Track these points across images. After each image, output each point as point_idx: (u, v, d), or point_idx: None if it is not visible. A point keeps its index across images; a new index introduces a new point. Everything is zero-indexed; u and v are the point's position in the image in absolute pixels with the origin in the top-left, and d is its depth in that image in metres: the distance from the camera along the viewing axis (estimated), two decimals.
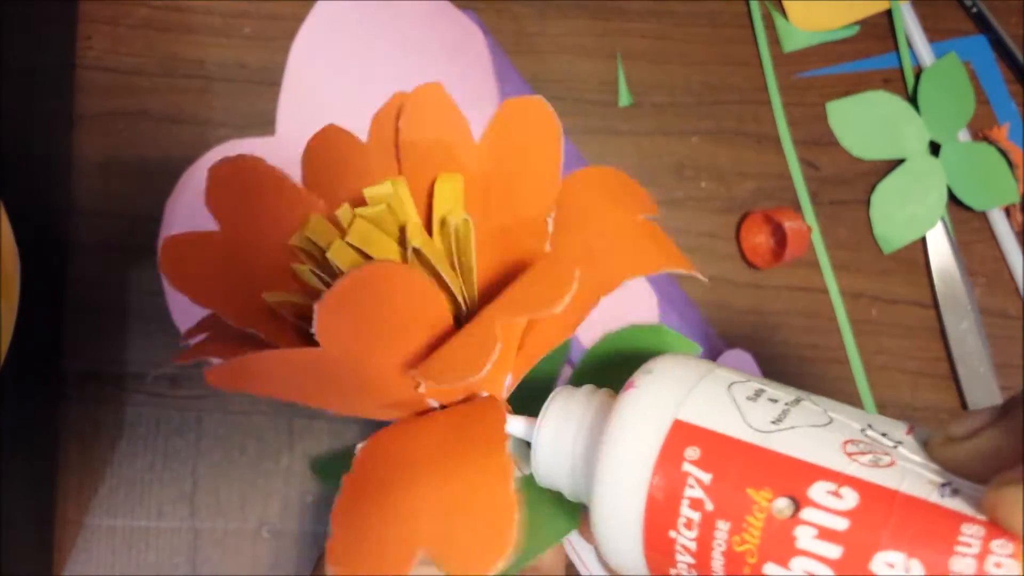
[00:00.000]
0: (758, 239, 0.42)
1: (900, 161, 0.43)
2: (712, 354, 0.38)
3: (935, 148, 0.43)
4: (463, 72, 0.41)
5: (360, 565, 0.15)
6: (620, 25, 0.43)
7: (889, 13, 0.45)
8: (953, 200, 0.43)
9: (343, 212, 0.18)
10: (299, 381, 0.16)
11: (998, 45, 0.44)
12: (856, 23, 0.44)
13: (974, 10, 0.45)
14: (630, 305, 0.38)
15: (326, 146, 0.20)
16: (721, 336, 0.42)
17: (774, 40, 0.44)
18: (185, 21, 0.41)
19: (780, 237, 0.41)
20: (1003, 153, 0.43)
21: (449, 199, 0.18)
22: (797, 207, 0.43)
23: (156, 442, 0.39)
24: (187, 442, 0.39)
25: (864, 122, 0.43)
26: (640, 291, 0.39)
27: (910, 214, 0.43)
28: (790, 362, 0.42)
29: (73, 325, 0.39)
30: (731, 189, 0.43)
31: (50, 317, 0.39)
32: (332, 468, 0.22)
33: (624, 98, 0.43)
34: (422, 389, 0.17)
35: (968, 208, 0.43)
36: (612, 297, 0.38)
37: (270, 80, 0.41)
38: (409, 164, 0.19)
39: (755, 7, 0.44)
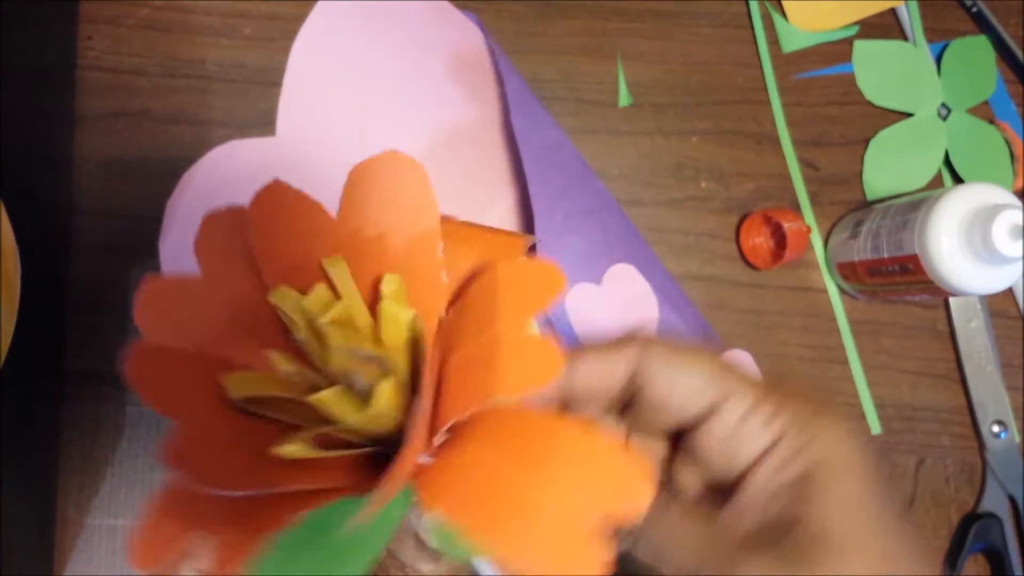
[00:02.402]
0: (758, 239, 0.42)
1: (907, 115, 0.44)
2: None
3: (945, 115, 0.44)
4: (463, 72, 0.41)
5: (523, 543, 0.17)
6: (620, 25, 0.43)
7: (890, 12, 0.44)
8: (948, 169, 0.44)
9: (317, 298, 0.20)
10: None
11: (998, 45, 0.44)
12: (855, 23, 0.44)
13: (974, 10, 0.45)
14: (631, 304, 0.38)
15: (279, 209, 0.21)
16: (721, 336, 0.42)
17: (773, 40, 0.44)
18: (186, 21, 0.41)
19: (780, 238, 0.41)
20: (1007, 144, 0.43)
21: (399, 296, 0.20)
22: (796, 207, 0.43)
23: (157, 442, 0.39)
24: None
25: (885, 68, 0.44)
26: (640, 290, 0.39)
27: (902, 167, 0.43)
28: (789, 362, 0.42)
29: (74, 325, 0.39)
30: (731, 189, 0.43)
31: (51, 317, 0.39)
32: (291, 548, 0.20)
33: (624, 98, 0.43)
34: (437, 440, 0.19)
35: (959, 179, 0.43)
36: (613, 297, 0.38)
37: (270, 80, 0.41)
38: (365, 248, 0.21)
39: (754, 7, 0.44)
